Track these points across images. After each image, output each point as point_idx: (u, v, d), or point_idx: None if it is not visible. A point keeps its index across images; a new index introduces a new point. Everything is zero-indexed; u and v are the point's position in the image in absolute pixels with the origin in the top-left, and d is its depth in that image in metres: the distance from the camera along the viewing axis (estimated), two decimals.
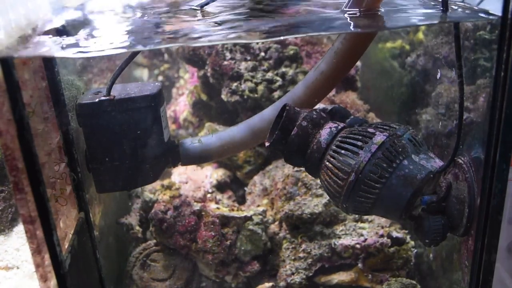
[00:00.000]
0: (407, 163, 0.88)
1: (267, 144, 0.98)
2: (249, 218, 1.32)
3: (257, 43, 1.54)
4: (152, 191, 1.44)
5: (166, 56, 2.11)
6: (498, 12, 0.71)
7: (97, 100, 1.00)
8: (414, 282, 1.26)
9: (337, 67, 1.02)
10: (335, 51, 1.01)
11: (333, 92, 1.57)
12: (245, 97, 1.52)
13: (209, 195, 1.48)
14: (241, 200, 1.55)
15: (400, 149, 0.88)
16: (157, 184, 1.40)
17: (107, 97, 1.01)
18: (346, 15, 0.90)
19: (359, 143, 0.89)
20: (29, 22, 0.80)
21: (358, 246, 1.28)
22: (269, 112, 1.12)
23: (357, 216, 1.35)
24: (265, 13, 0.98)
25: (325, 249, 1.29)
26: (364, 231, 1.31)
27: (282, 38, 1.47)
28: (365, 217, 1.36)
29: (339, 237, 1.30)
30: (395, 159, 0.88)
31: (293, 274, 1.28)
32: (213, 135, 1.18)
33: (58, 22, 0.89)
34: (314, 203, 1.32)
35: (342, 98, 1.58)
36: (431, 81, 1.21)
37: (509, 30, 0.70)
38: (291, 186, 1.37)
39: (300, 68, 1.54)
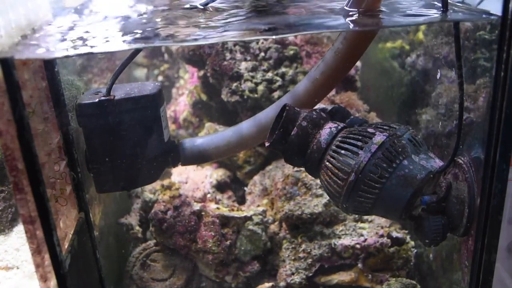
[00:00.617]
0: (407, 163, 0.88)
1: (267, 144, 0.98)
2: (249, 218, 1.32)
3: (257, 43, 1.54)
4: (152, 191, 1.44)
5: (166, 56, 2.11)
6: (498, 12, 0.72)
7: (97, 100, 1.00)
8: (414, 282, 1.26)
9: (337, 67, 1.02)
10: (335, 51, 1.00)
11: (333, 92, 1.57)
12: (245, 97, 1.52)
13: (209, 195, 1.48)
14: (241, 200, 1.55)
15: (400, 149, 0.88)
16: (157, 184, 1.40)
17: (107, 97, 1.01)
18: (346, 14, 0.90)
19: (359, 143, 0.89)
20: (29, 22, 0.80)
21: (358, 246, 1.27)
22: (270, 113, 1.12)
23: (357, 216, 1.35)
24: (266, 12, 0.98)
25: (325, 249, 1.29)
26: (364, 231, 1.31)
27: (281, 36, 1.47)
28: (365, 217, 1.36)
29: (339, 237, 1.30)
30: (395, 159, 0.88)
31: (293, 274, 1.28)
32: (212, 135, 1.18)
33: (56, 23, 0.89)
34: (314, 203, 1.32)
35: (342, 98, 1.58)
36: (431, 81, 1.20)
37: (509, 30, 0.71)
38: (291, 186, 1.37)
39: (300, 68, 1.54)
